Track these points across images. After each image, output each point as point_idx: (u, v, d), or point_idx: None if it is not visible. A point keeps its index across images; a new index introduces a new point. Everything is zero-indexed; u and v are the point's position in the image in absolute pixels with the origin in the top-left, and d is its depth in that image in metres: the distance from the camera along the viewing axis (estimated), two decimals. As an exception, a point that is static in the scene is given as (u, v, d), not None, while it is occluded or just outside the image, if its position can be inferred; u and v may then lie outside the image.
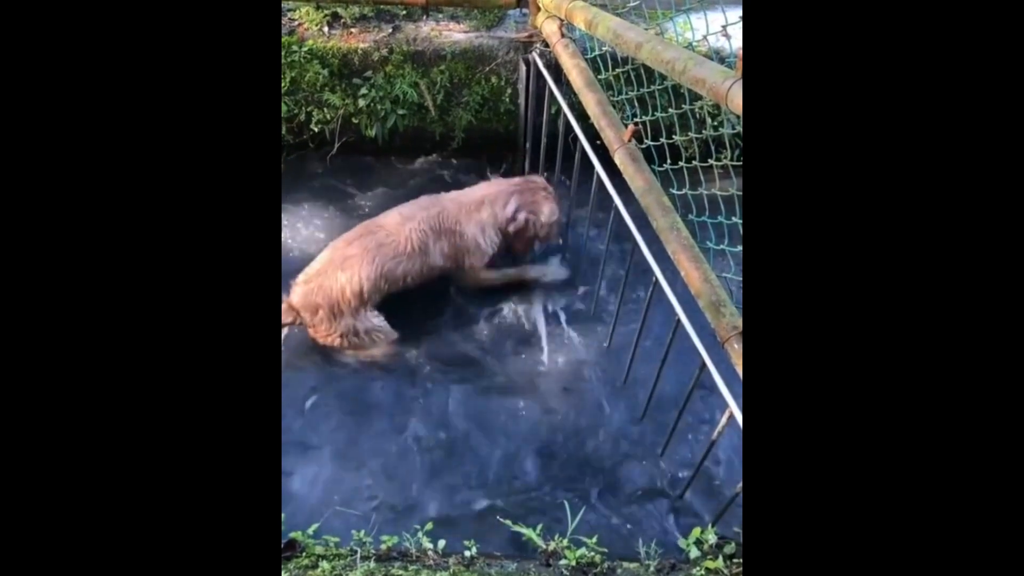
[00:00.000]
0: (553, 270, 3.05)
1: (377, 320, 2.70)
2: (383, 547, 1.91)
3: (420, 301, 2.88)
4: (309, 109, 3.37)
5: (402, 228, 2.68)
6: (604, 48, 2.69)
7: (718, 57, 2.25)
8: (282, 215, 3.29)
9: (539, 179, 2.92)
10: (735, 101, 1.41)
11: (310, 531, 2.00)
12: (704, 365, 1.83)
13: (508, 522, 2.06)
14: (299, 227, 3.26)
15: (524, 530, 1.98)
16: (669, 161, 2.26)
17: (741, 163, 1.07)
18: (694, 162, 2.18)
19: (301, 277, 2.68)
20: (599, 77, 2.62)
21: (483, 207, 2.78)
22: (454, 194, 2.85)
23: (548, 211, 2.81)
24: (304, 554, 1.88)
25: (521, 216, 2.76)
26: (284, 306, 2.63)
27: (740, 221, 1.43)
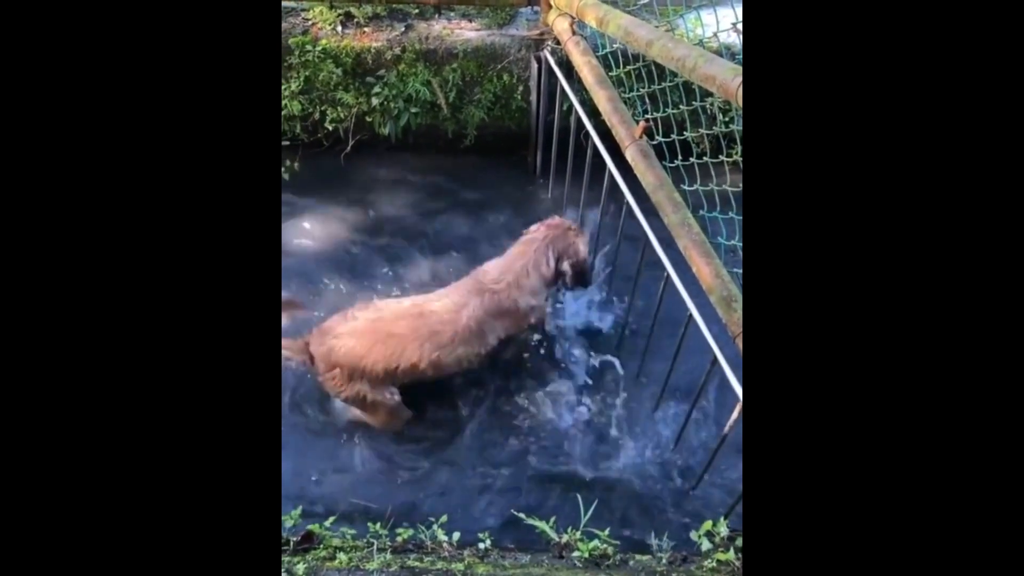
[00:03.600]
0: None
1: (391, 397, 2.52)
2: (399, 539, 1.94)
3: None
4: (323, 108, 3.40)
5: (458, 315, 2.51)
6: (615, 45, 2.71)
7: (728, 54, 2.26)
8: (297, 212, 3.33)
9: (557, 220, 2.71)
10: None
11: (327, 523, 2.03)
12: (715, 360, 1.84)
13: (522, 515, 2.08)
14: (313, 224, 3.30)
15: (537, 523, 2.01)
16: (680, 157, 2.27)
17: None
18: (705, 158, 2.19)
19: (328, 325, 2.50)
20: (610, 74, 2.63)
21: (529, 276, 2.59)
22: (496, 271, 2.62)
23: (583, 246, 2.67)
24: (322, 546, 1.91)
25: (566, 266, 2.62)
26: (300, 344, 2.50)
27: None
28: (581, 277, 2.68)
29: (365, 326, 2.46)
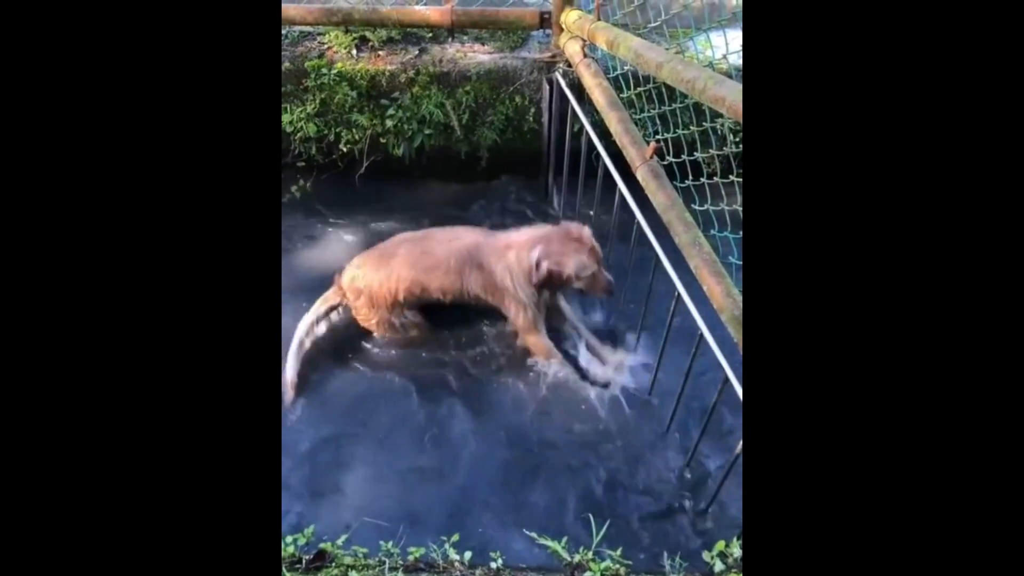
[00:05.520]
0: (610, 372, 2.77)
1: (412, 316, 2.83)
2: (410, 558, 1.94)
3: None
4: (338, 130, 3.46)
5: (447, 246, 2.72)
6: (626, 67, 2.74)
7: (738, 75, 2.28)
8: (311, 232, 3.38)
9: (576, 227, 2.58)
10: (754, 119, 1.44)
11: (339, 542, 2.03)
12: (727, 379, 1.84)
13: (534, 534, 2.08)
14: (327, 244, 3.34)
15: (549, 543, 2.00)
16: (691, 177, 2.29)
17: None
18: (716, 178, 2.21)
19: (356, 260, 2.82)
20: (621, 96, 2.66)
21: (510, 251, 2.62)
22: (494, 233, 2.77)
23: (575, 264, 2.51)
24: (334, 564, 1.92)
25: (543, 266, 2.51)
26: (334, 289, 2.84)
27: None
28: (554, 286, 2.59)
29: (374, 254, 2.79)
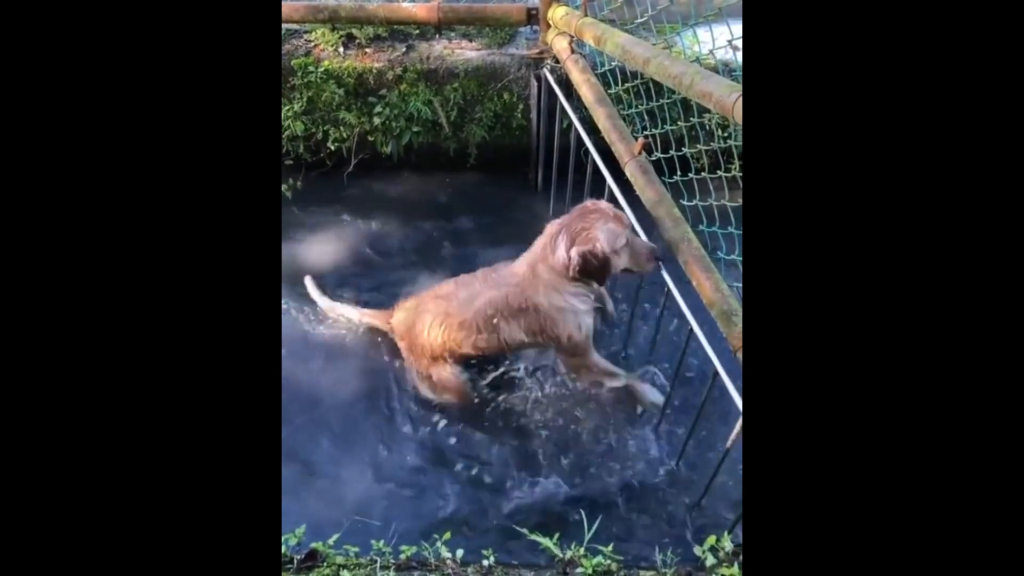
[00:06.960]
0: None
1: (451, 374, 2.55)
2: (402, 556, 1.94)
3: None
4: (326, 128, 3.44)
5: (472, 304, 2.41)
6: (613, 63, 2.74)
7: (726, 70, 2.28)
8: (300, 231, 3.36)
9: (593, 203, 2.26)
10: (741, 114, 1.45)
11: (331, 541, 2.03)
12: (716, 374, 1.85)
13: (525, 530, 2.08)
14: (315, 243, 3.32)
15: (541, 539, 2.00)
16: (679, 173, 2.29)
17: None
18: (704, 173, 2.21)
19: (407, 302, 2.67)
20: (609, 92, 2.66)
21: (538, 267, 2.30)
22: (517, 265, 2.40)
23: (606, 236, 2.15)
24: (325, 564, 1.91)
25: (574, 254, 2.17)
26: (385, 314, 2.76)
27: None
28: (590, 270, 2.19)
29: (415, 303, 2.61)
